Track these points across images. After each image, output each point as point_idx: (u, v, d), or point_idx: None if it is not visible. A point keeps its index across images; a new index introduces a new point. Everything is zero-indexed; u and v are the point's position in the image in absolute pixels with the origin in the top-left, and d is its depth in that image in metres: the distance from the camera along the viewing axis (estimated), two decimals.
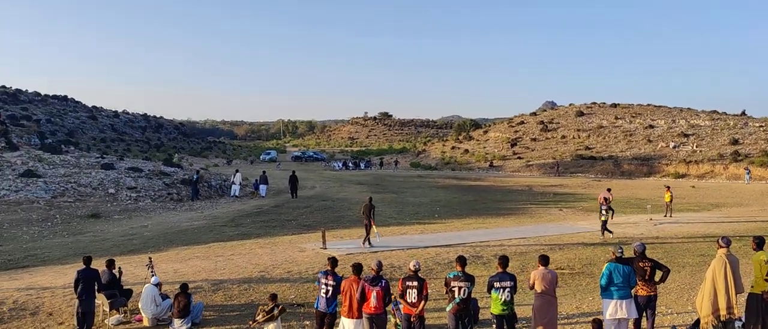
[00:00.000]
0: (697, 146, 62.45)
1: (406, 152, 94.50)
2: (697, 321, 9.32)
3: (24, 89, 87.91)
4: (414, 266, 8.94)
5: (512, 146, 77.06)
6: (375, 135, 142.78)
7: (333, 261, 9.67)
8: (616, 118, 78.74)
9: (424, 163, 75.96)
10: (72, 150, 46.76)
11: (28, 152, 38.81)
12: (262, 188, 36.05)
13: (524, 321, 10.45)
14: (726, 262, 8.79)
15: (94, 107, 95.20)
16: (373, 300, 8.63)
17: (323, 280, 9.40)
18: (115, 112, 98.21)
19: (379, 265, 9.06)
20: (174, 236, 21.57)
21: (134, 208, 29.05)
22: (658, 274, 9.68)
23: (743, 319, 9.15)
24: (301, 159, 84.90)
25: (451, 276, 8.78)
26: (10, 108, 70.93)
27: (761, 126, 65.65)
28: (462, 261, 9.01)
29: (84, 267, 10.77)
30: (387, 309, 8.91)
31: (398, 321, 9.60)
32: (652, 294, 9.54)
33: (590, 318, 9.18)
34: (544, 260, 9.05)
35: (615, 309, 8.87)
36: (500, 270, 8.86)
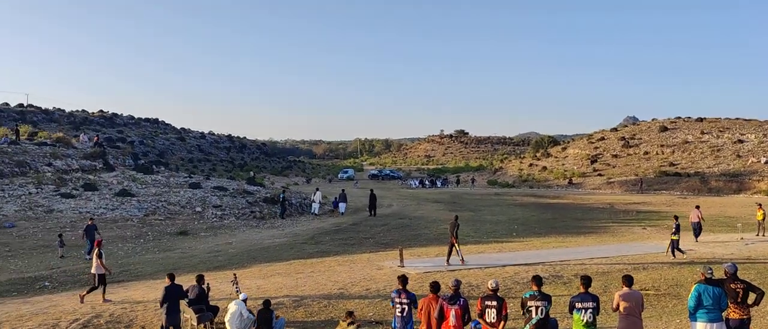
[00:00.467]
0: None
1: (483, 170, 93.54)
2: None
3: (119, 113, 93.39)
4: (492, 285, 8.86)
5: (592, 162, 74.91)
6: (451, 153, 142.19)
7: (403, 279, 9.70)
8: (703, 133, 75.14)
9: (502, 180, 74.96)
10: (162, 170, 49.22)
11: (123, 172, 41.20)
12: (342, 205, 36.92)
13: None
14: None
15: (182, 128, 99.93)
16: (452, 319, 8.63)
17: (397, 299, 9.43)
18: (202, 133, 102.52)
19: (457, 283, 9.06)
20: (257, 253, 22.29)
21: (219, 225, 30.21)
22: (752, 297, 9.19)
23: None
24: (378, 177, 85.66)
25: (527, 296, 8.65)
26: (107, 131, 75.49)
27: None
28: (538, 280, 8.86)
29: (170, 283, 11.38)
30: (466, 328, 8.88)
31: None
32: (745, 317, 9.05)
33: None
34: (628, 280, 8.78)
35: None
36: (582, 290, 8.66)
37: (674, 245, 19.67)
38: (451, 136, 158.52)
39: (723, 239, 24.80)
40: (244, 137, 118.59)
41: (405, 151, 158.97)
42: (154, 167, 50.23)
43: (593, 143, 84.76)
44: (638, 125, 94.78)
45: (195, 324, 11.87)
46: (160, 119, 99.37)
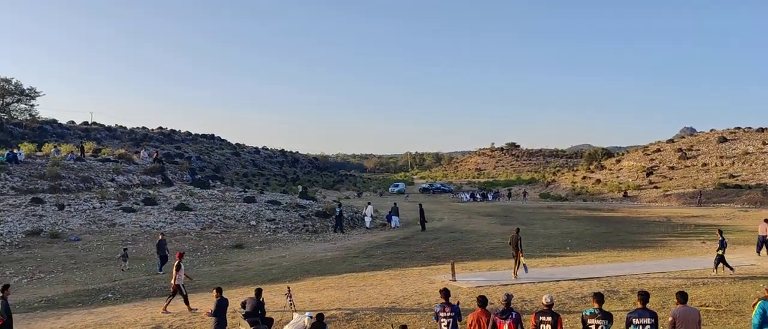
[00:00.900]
0: None
1: (535, 183, 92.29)
2: None
3: (177, 130, 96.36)
4: (547, 300, 8.76)
5: (648, 175, 72.97)
6: (502, 166, 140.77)
7: (445, 293, 9.75)
8: (765, 143, 72.22)
9: (554, 194, 73.78)
10: (218, 185, 50.47)
11: (181, 187, 42.46)
12: (395, 219, 37.28)
13: None
14: None
15: (237, 144, 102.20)
16: None
17: (442, 313, 9.48)
18: (256, 148, 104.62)
19: (508, 298, 9.04)
20: (309, 266, 22.62)
21: (273, 239, 30.77)
22: None
23: None
24: (428, 191, 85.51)
25: (588, 313, 8.46)
26: (165, 147, 77.96)
27: None
28: (599, 297, 8.65)
29: (219, 296, 12.00)
30: None
31: None
32: None
33: None
34: (683, 297, 8.59)
35: None
36: (639, 305, 8.49)
37: (719, 261, 18.93)
38: (502, 149, 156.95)
39: None
40: (297, 152, 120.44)
41: (455, 164, 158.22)
42: (210, 181, 51.55)
43: (649, 154, 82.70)
44: (696, 135, 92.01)
45: None
46: (215, 135, 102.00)
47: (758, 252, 22.86)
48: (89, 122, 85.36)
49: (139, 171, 43.28)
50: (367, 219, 37.66)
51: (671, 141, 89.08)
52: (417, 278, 18.82)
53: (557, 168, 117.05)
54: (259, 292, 12.73)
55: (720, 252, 18.96)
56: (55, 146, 45.92)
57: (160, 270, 21.77)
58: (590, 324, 8.38)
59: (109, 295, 18.30)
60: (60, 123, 79.60)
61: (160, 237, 23.13)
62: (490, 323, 8.70)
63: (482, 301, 9.05)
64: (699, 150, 77.73)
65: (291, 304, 13.14)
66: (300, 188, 65.09)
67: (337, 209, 36.47)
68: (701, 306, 13.92)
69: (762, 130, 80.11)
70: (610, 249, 27.32)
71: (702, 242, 28.58)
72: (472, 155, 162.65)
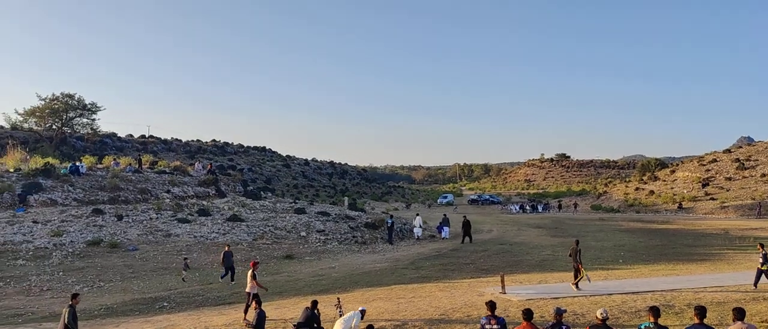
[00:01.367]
0: None
1: (586, 194, 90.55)
2: None
3: (230, 142, 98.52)
4: (602, 314, 8.64)
5: (704, 186, 70.62)
6: (552, 177, 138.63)
7: (491, 305, 9.73)
8: None
9: (606, 205, 72.23)
10: (269, 196, 51.37)
11: (233, 198, 43.40)
12: (445, 230, 37.37)
13: None
14: None
15: (288, 155, 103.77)
16: None
17: (487, 325, 9.46)
18: (306, 160, 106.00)
19: (559, 312, 8.97)
20: (359, 277, 22.79)
21: (323, 250, 31.12)
22: None
23: None
24: (477, 202, 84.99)
25: (643, 327, 8.37)
26: (219, 159, 79.83)
27: None
28: (655, 311, 8.50)
29: (259, 309, 12.41)
30: None
31: None
32: None
33: None
34: (740, 313, 8.29)
35: None
36: (696, 321, 8.28)
37: (760, 276, 18.03)
38: (551, 160, 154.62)
39: None
40: (345, 163, 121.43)
41: (504, 175, 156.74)
42: (261, 193, 52.50)
43: (704, 165, 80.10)
44: (754, 145, 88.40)
45: None
46: (267, 147, 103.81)
47: None
48: (146, 135, 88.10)
49: (193, 183, 44.44)
50: (417, 230, 37.78)
51: (728, 151, 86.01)
52: (466, 290, 18.74)
53: (609, 179, 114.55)
54: (314, 303, 12.97)
55: (763, 268, 18.23)
56: (114, 159, 47.55)
57: (232, 279, 22.13)
58: None
59: (165, 304, 18.86)
60: (119, 136, 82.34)
61: (227, 248, 23.27)
62: None
63: (528, 314, 9.00)
64: (757, 160, 74.85)
65: (341, 315, 13.30)
66: (346, 199, 65.61)
67: (389, 221, 36.68)
68: (762, 322, 13.44)
69: None
70: (664, 261, 26.59)
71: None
72: (522, 166, 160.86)
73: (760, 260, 18.40)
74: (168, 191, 40.64)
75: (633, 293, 17.27)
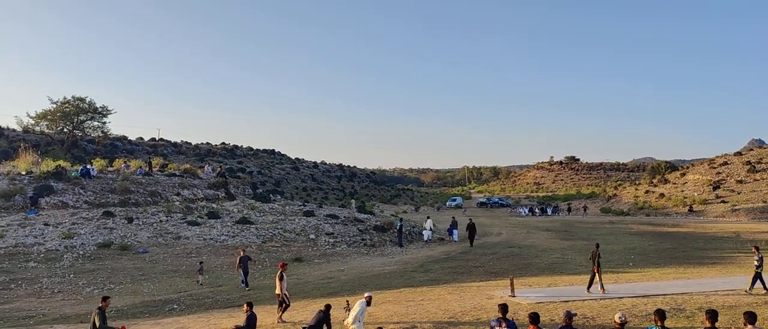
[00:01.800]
0: None
1: (596, 197, 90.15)
2: None
3: (240, 145, 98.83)
4: (620, 319, 8.54)
5: (715, 188, 70.09)
6: (561, 180, 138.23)
7: (503, 308, 9.72)
8: None
9: (616, 208, 71.89)
10: (278, 199, 51.48)
11: (243, 201, 43.53)
12: (454, 233, 37.41)
13: None
14: None
15: (297, 158, 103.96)
16: None
17: (497, 328, 9.46)
18: (315, 163, 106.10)
19: (569, 315, 8.94)
20: (367, 280, 22.78)
21: (332, 253, 31.15)
22: None
23: None
24: (486, 205, 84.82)
25: None
26: (228, 162, 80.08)
27: None
28: (661, 314, 8.50)
29: (249, 311, 12.79)
30: None
31: None
32: None
33: None
34: (751, 317, 8.25)
35: None
36: (708, 324, 8.27)
37: (757, 279, 17.87)
38: (561, 162, 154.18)
39: None
40: (354, 166, 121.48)
41: (513, 178, 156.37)
42: (271, 195, 52.61)
43: (715, 168, 79.54)
44: (765, 147, 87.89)
45: None
46: (276, 150, 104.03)
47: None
48: (156, 138, 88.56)
49: (203, 186, 44.59)
50: (426, 233, 37.83)
51: (739, 154, 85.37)
52: (475, 293, 18.71)
53: (618, 182, 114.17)
54: (328, 307, 13.00)
55: (759, 270, 18.08)
56: (125, 162, 47.75)
57: (243, 283, 21.73)
58: None
59: (175, 306, 18.94)
60: (130, 140, 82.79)
61: (242, 253, 22.41)
62: None
63: (534, 318, 8.95)
64: None
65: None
66: (353, 202, 65.67)
67: (398, 224, 36.69)
68: None
69: None
70: (675, 265, 26.45)
71: None
72: (531, 169, 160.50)
73: (755, 262, 18.26)
74: (178, 194, 40.82)
75: (643, 296, 17.21)
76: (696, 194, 70.37)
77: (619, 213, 66.87)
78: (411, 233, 38.74)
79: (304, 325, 12.94)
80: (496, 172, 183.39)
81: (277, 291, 15.65)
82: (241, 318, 15.95)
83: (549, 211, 71.22)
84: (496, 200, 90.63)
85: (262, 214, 38.96)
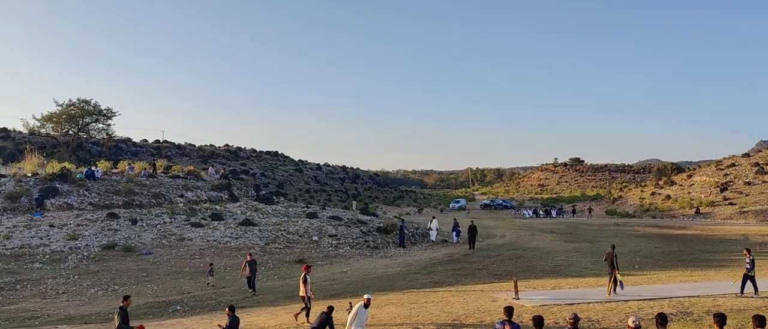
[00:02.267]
0: None
1: (601, 199, 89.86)
2: None
3: (243, 147, 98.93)
4: (634, 322, 8.39)
5: (722, 191, 69.74)
6: (566, 181, 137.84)
7: (509, 310, 9.64)
8: None
9: (621, 210, 71.66)
10: (282, 201, 51.49)
11: (246, 203, 43.55)
12: (456, 235, 37.39)
13: None
14: None
15: (300, 160, 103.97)
16: None
17: None
18: (318, 165, 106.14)
19: (575, 318, 8.86)
20: (370, 282, 22.72)
21: (335, 254, 31.10)
22: None
23: None
24: (490, 207, 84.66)
25: None
26: (231, 164, 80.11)
27: None
28: (662, 318, 8.40)
29: (232, 315, 12.72)
30: None
31: None
32: None
33: None
34: (760, 321, 8.09)
35: None
36: (716, 328, 8.16)
37: (746, 281, 17.75)
38: (565, 164, 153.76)
39: None
40: (358, 168, 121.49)
41: (517, 180, 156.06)
42: (274, 197, 52.63)
43: (723, 169, 79.10)
44: None
45: None
46: (279, 152, 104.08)
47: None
48: (161, 140, 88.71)
49: (206, 187, 44.64)
50: (433, 233, 37.89)
51: (747, 155, 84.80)
52: (479, 295, 18.63)
53: (624, 184, 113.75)
54: (330, 309, 12.97)
55: (752, 273, 17.93)
56: (129, 164, 47.85)
57: (253, 289, 21.15)
58: None
59: (178, 308, 18.92)
60: (134, 141, 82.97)
61: (249, 257, 21.73)
62: None
63: (538, 322, 8.85)
64: None
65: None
66: (354, 203, 65.61)
67: (401, 225, 36.68)
68: None
69: None
70: (682, 267, 26.32)
71: None
72: (535, 171, 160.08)
73: (747, 265, 18.12)
74: (181, 196, 40.85)
75: (649, 299, 17.10)
76: (703, 196, 70.04)
77: (625, 215, 66.65)
78: (414, 235, 38.67)
79: (307, 327, 12.88)
80: (499, 174, 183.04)
81: (301, 294, 15.61)
82: (244, 320, 15.90)
83: (553, 213, 71.01)
84: (500, 202, 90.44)
85: (265, 216, 38.95)
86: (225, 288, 22.33)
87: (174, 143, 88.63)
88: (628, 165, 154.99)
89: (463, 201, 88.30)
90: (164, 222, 34.03)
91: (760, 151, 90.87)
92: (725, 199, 66.48)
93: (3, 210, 33.28)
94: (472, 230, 34.62)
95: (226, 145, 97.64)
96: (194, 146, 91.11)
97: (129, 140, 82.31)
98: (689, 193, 73.18)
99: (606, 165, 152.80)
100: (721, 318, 8.18)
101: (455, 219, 40.83)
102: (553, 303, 16.54)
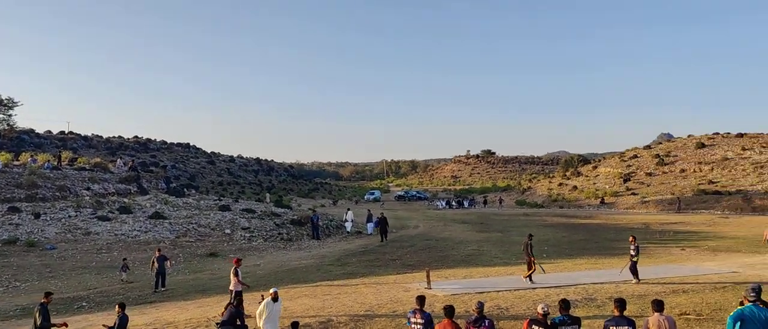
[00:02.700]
0: None
1: (511, 190, 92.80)
2: None
3: (153, 139, 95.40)
4: (543, 309, 8.58)
5: (625, 181, 73.63)
6: (478, 173, 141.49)
7: (420, 300, 9.80)
8: (744, 149, 72.62)
9: (530, 201, 74.33)
10: (193, 193, 50.09)
11: (156, 195, 42.05)
12: (369, 226, 37.77)
13: None
14: None
15: (212, 152, 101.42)
16: None
17: (412, 319, 9.53)
18: (231, 157, 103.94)
19: (480, 305, 9.09)
20: (284, 274, 22.57)
21: (248, 247, 30.63)
22: None
23: None
24: (404, 199, 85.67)
25: (557, 321, 8.47)
26: (141, 156, 77.14)
27: None
28: (565, 304, 8.73)
29: (121, 313, 12.09)
30: None
31: None
32: None
33: None
34: (658, 305, 8.53)
35: None
36: (616, 313, 8.46)
37: (631, 268, 18.96)
38: (477, 156, 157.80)
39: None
40: (272, 160, 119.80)
41: (431, 172, 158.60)
42: (185, 190, 51.13)
43: (626, 161, 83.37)
44: (673, 141, 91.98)
45: None
46: (191, 144, 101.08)
47: None
48: (66, 132, 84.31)
49: (114, 180, 42.81)
50: (348, 224, 38.03)
51: (648, 147, 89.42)
52: (392, 286, 18.88)
53: (533, 175, 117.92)
54: (239, 301, 12.77)
55: (635, 259, 19.01)
56: (32, 156, 45.28)
57: (164, 286, 20.30)
58: None
59: (84, 304, 18.14)
60: (37, 133, 78.53)
61: (158, 253, 20.88)
62: None
63: (449, 311, 9.00)
64: (677, 156, 77.98)
65: None
66: (268, 196, 64.93)
67: (314, 217, 36.56)
68: (681, 314, 14.00)
69: (741, 135, 79.81)
70: (587, 256, 27.55)
71: (681, 249, 28.79)
72: (448, 163, 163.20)
73: (631, 252, 19.28)
74: (88, 189, 38.95)
75: (556, 287, 17.83)
76: (607, 186, 73.47)
77: (534, 205, 69.08)
78: (328, 227, 38.63)
79: (217, 322, 12.64)
80: (414, 166, 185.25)
81: (231, 287, 15.35)
82: (152, 315, 15.43)
83: (465, 204, 72.72)
84: (414, 193, 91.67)
85: (176, 209, 37.78)
86: (133, 283, 21.57)
87: (80, 135, 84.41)
88: (538, 157, 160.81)
89: (377, 193, 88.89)
90: (69, 216, 32.39)
91: (660, 143, 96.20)
92: (628, 189, 69.91)
93: None
94: (383, 222, 34.04)
95: (136, 136, 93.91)
96: (102, 137, 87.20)
97: (32, 131, 77.74)
98: (594, 184, 76.59)
99: (516, 157, 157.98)
100: (620, 303, 8.53)
101: (369, 211, 41.13)
102: (463, 292, 17.00)
